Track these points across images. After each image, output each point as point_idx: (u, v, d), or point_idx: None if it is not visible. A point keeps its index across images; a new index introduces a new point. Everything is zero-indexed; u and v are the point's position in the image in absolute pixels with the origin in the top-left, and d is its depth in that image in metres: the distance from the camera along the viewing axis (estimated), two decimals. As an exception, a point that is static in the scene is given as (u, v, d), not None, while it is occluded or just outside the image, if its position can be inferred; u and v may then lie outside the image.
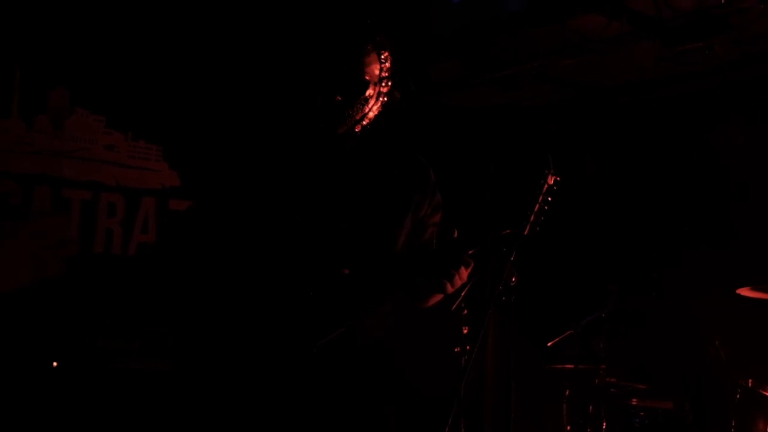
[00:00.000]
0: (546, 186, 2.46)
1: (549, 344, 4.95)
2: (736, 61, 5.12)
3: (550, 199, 2.45)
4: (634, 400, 4.77)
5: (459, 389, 2.63)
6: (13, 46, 5.23)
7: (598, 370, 4.82)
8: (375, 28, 2.55)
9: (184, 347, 3.61)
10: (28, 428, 4.96)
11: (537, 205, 2.43)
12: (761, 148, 5.02)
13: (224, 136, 5.42)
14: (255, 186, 2.62)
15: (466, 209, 6.34)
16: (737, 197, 5.16)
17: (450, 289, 2.37)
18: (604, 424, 4.71)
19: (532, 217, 2.39)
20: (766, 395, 4.09)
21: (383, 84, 2.55)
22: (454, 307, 4.80)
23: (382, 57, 2.56)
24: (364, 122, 2.58)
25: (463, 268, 2.34)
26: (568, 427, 5.06)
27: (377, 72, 2.55)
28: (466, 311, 4.69)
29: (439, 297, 2.54)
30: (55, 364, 5.02)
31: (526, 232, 2.34)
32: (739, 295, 4.28)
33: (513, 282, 2.11)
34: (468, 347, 4.58)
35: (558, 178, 2.44)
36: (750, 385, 4.17)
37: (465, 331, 4.68)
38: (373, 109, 2.58)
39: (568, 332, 4.91)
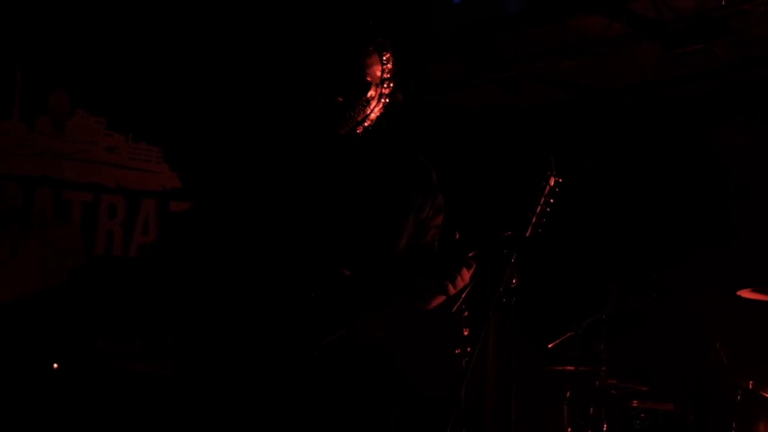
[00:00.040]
0: (548, 187, 2.45)
1: (550, 346, 4.95)
2: (736, 63, 5.12)
3: (552, 200, 2.44)
4: (635, 401, 4.76)
5: (459, 391, 2.62)
6: (14, 48, 5.23)
7: (598, 372, 4.81)
8: (377, 30, 2.54)
9: (184, 348, 3.61)
10: (28, 429, 4.96)
11: (539, 207, 2.42)
12: (761, 149, 5.02)
13: (225, 138, 5.42)
14: (255, 187, 2.62)
15: (466, 209, 6.34)
16: (737, 197, 5.16)
17: (452, 290, 2.36)
18: (605, 425, 4.70)
19: (534, 219, 2.39)
20: (767, 397, 4.09)
21: (385, 85, 2.55)
22: (454, 309, 4.81)
23: (384, 58, 2.56)
24: (366, 123, 2.58)
25: (464, 270, 2.33)
26: (569, 429, 5.06)
27: (379, 73, 2.55)
28: (466, 313, 4.68)
29: (440, 299, 2.53)
30: (55, 365, 5.02)
31: (527, 234, 2.33)
32: (740, 296, 4.28)
33: (514, 284, 2.09)
34: (469, 349, 4.58)
35: (560, 180, 2.43)
36: (750, 386, 4.17)
37: (466, 333, 4.67)
38: (374, 111, 2.58)
39: (569, 334, 4.90)
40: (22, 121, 5.31)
